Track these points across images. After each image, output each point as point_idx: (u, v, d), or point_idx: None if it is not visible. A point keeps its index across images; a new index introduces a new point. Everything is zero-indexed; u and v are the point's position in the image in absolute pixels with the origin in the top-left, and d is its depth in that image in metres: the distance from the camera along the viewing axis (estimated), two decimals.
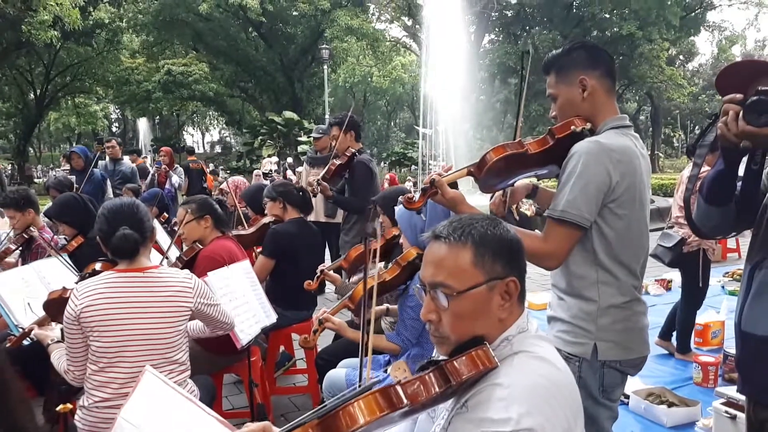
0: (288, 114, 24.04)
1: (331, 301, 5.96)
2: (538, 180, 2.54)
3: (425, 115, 18.24)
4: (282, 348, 4.08)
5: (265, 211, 3.95)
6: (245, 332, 2.77)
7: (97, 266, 2.68)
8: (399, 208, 2.69)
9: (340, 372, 2.67)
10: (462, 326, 1.23)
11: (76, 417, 2.24)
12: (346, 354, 2.91)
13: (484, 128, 28.48)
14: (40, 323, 2.61)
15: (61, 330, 2.48)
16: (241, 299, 2.86)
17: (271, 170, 15.16)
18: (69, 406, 2.32)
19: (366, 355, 1.41)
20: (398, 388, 1.09)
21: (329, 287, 5.75)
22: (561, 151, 1.80)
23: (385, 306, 2.92)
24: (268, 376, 3.61)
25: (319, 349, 3.40)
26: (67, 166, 8.49)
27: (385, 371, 2.59)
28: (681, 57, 38.22)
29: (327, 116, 23.39)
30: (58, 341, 2.47)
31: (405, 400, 1.08)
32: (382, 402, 1.06)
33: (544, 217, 1.90)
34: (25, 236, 3.70)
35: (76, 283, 2.50)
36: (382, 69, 28.94)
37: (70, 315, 2.14)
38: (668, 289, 6.21)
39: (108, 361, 2.15)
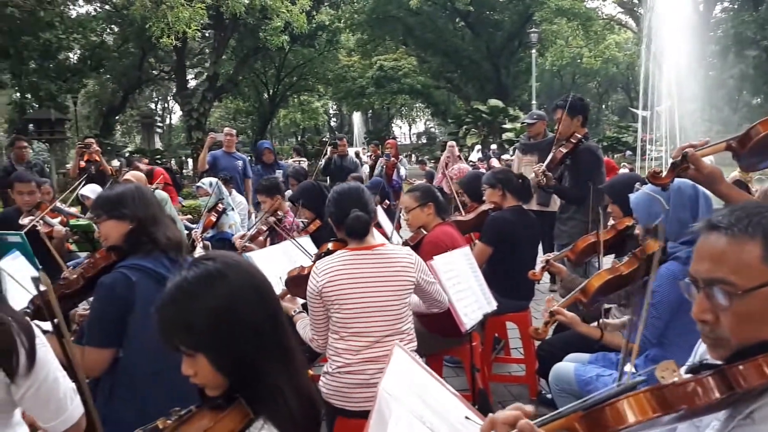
0: (493, 102, 23.86)
1: (543, 293, 5.79)
2: None
3: (643, 96, 16.73)
4: (496, 335, 4.08)
5: (484, 198, 3.97)
6: (468, 316, 2.82)
7: (330, 245, 2.94)
8: (635, 196, 2.50)
9: (569, 366, 2.57)
10: (746, 329, 1.08)
11: (320, 382, 2.49)
12: (571, 347, 2.79)
13: (714, 108, 25.13)
14: (282, 296, 2.89)
15: (303, 305, 2.78)
16: (464, 283, 2.92)
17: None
18: (310, 372, 2.60)
19: (628, 353, 1.34)
20: (672, 389, 1.00)
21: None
22: None
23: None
24: (486, 362, 3.64)
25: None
26: (298, 158, 9.51)
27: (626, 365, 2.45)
28: None
29: (533, 102, 22.78)
30: (301, 312, 2.76)
31: (681, 404, 0.99)
32: (654, 402, 0.99)
33: None
34: (273, 219, 4.20)
35: (313, 261, 2.78)
36: (594, 49, 27.29)
37: (313, 290, 2.38)
38: None
39: (347, 331, 2.37)
